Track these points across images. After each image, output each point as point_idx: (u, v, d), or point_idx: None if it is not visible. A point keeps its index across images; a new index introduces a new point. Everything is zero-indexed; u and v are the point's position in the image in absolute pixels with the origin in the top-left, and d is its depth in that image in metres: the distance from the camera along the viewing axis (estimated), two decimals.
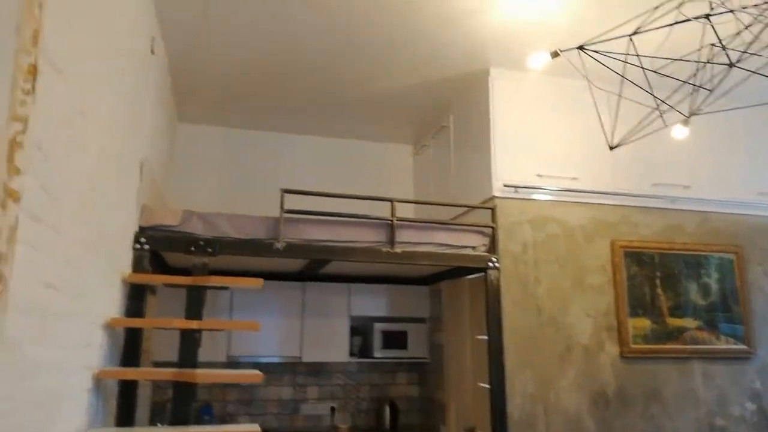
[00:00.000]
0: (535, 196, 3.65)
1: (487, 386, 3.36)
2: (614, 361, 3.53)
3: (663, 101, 2.76)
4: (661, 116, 2.69)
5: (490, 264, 3.48)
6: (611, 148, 2.63)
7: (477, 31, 3.33)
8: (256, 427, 2.21)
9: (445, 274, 4.18)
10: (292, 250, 3.19)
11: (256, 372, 2.39)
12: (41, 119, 1.43)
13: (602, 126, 3.36)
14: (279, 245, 3.15)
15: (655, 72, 2.64)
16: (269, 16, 3.19)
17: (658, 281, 3.70)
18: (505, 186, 3.60)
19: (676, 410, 3.53)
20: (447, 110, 4.39)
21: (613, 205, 3.78)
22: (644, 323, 3.62)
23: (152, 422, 3.81)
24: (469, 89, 4.02)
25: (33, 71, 1.14)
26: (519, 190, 3.62)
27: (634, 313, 3.61)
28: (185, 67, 3.78)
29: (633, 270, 3.69)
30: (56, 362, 1.80)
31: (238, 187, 4.72)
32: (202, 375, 2.27)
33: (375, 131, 4.92)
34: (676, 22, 2.41)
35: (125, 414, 2.58)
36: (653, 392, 3.53)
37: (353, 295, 4.43)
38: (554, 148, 3.73)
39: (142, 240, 2.93)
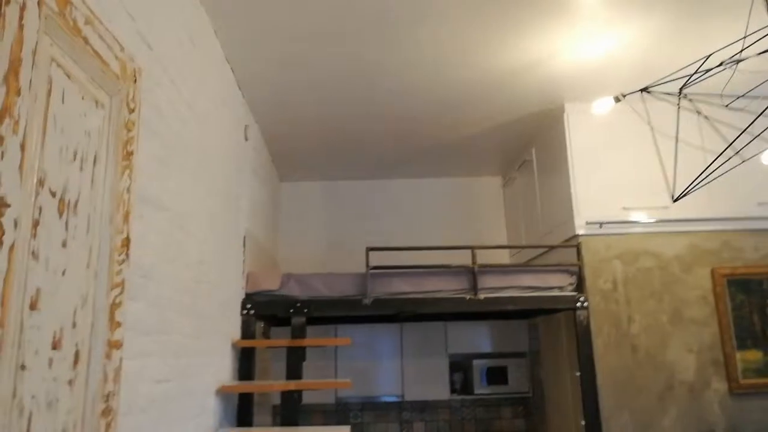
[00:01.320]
0: (622, 230, 3.58)
1: (587, 424, 3.34)
2: (722, 398, 3.34)
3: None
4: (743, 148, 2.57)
5: (578, 305, 3.47)
6: (674, 200, 2.57)
7: (552, 71, 3.33)
8: (347, 429, 2.46)
9: (539, 310, 4.19)
10: (379, 304, 3.43)
11: (347, 380, 2.65)
12: (143, 253, 1.80)
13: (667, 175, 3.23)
14: (367, 301, 3.41)
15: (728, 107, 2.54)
16: (356, 85, 3.41)
17: None
18: (588, 223, 3.57)
19: None
20: (530, 144, 4.42)
21: (712, 230, 3.58)
22: (756, 356, 3.39)
23: None
24: (548, 124, 4.03)
25: (126, 243, 1.48)
26: (604, 225, 3.58)
27: (742, 346, 3.40)
28: (279, 138, 4.21)
29: (739, 299, 3.47)
30: None
31: (339, 233, 5.08)
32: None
33: (465, 167, 5.05)
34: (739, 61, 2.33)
35: None
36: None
37: (450, 332, 4.58)
38: (640, 177, 3.63)
39: (248, 306, 3.34)
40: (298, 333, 3.28)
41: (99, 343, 1.33)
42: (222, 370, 2.90)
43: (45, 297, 1.12)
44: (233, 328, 3.17)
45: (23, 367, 1.04)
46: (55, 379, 1.16)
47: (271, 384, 2.88)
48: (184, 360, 2.27)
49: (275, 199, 4.87)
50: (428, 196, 5.22)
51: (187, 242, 2.31)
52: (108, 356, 1.36)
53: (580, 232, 3.58)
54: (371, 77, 3.33)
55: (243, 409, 3.07)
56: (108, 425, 1.35)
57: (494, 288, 3.53)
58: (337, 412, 4.64)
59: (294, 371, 3.09)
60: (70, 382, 1.21)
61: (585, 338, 3.43)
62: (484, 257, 3.76)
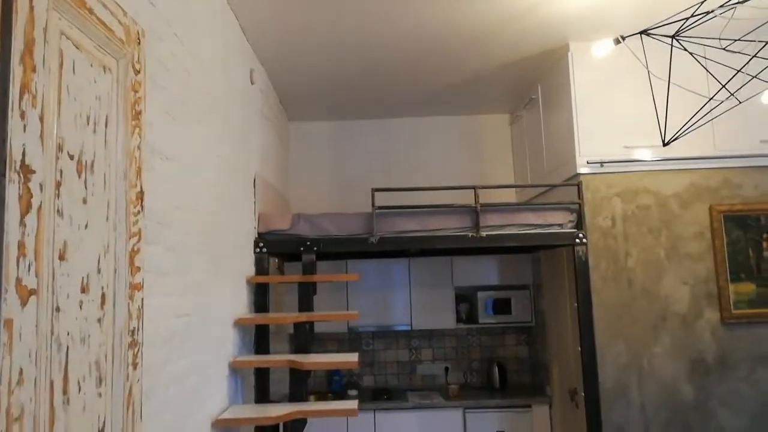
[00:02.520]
0: (623, 169, 3.64)
1: (582, 351, 3.55)
2: (714, 327, 3.51)
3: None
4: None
5: (577, 240, 3.60)
6: (664, 143, 2.62)
7: (557, 10, 3.29)
8: (354, 404, 2.71)
9: (541, 245, 4.34)
10: (385, 242, 3.60)
11: (354, 357, 2.87)
12: (157, 202, 1.96)
13: (660, 119, 3.24)
14: (373, 239, 3.58)
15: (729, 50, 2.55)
16: (362, 25, 3.41)
17: (765, 244, 3.55)
18: (589, 162, 3.64)
19: None
20: (536, 82, 4.41)
21: (712, 168, 3.64)
22: (748, 288, 3.52)
23: None
24: (553, 63, 4.02)
25: (140, 195, 1.62)
26: (605, 164, 3.64)
27: (736, 279, 3.53)
28: (286, 80, 4.25)
29: (735, 234, 3.57)
30: (200, 365, 2.42)
31: (347, 172, 5.20)
32: (309, 363, 2.81)
33: (473, 105, 5.06)
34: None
35: (260, 392, 3.23)
36: (759, 356, 3.48)
37: (456, 266, 4.77)
38: (641, 118, 3.64)
39: (261, 245, 3.53)
40: (309, 269, 3.47)
41: (122, 286, 1.50)
42: (238, 304, 3.12)
43: (71, 248, 1.27)
44: (247, 266, 3.38)
45: (58, 309, 1.22)
46: (86, 319, 1.34)
47: (284, 316, 3.10)
48: (202, 296, 2.48)
49: (284, 139, 4.97)
50: (437, 133, 5.27)
51: (198, 188, 2.46)
52: (131, 297, 1.54)
53: (581, 170, 3.65)
54: (377, 17, 3.33)
55: (260, 338, 3.32)
56: (135, 356, 1.55)
57: (496, 226, 3.66)
58: (350, 340, 4.94)
59: (305, 304, 3.31)
60: (99, 321, 1.39)
61: (583, 272, 3.59)
62: (490, 197, 3.87)
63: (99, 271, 1.40)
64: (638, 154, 3.63)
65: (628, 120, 3.66)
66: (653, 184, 3.64)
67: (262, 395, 3.16)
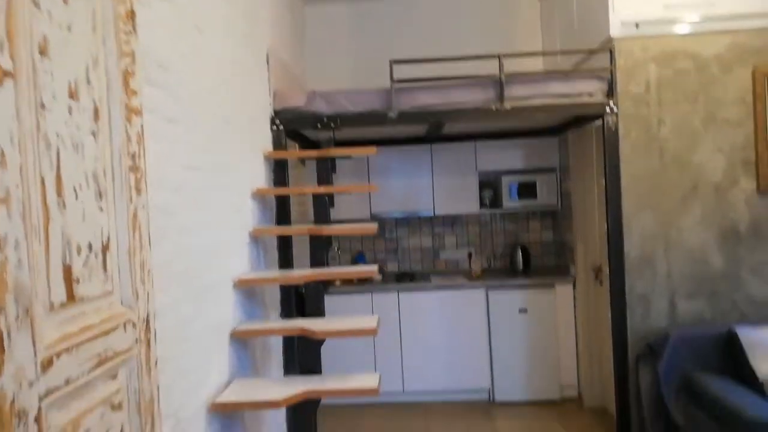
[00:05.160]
0: (660, 30, 3.37)
1: (609, 228, 3.47)
2: (749, 196, 3.35)
3: None
4: None
5: (608, 110, 3.41)
6: None
7: None
8: (375, 267, 2.70)
9: (570, 124, 4.16)
10: (405, 117, 3.47)
11: (373, 226, 2.84)
12: (154, 40, 1.86)
13: None
14: (392, 114, 3.45)
15: None
16: None
17: None
18: (624, 23, 3.37)
19: None
20: None
21: (759, 27, 3.34)
22: None
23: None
24: None
25: (131, 15, 1.52)
26: (641, 25, 3.37)
27: None
28: None
29: None
30: (215, 223, 2.41)
31: (365, 56, 4.97)
32: (329, 230, 2.79)
33: None
34: None
35: (284, 262, 3.26)
36: None
37: (479, 151, 4.64)
38: None
39: (277, 122, 3.44)
40: (326, 145, 3.40)
41: (117, 104, 1.44)
42: (257, 178, 3.08)
43: (53, 46, 1.20)
44: (265, 143, 3.31)
45: (43, 106, 1.16)
46: (78, 127, 1.28)
47: (302, 188, 3.06)
48: (215, 155, 2.43)
49: (299, 24, 4.75)
50: (460, 7, 4.94)
51: (203, 42, 2.35)
52: (128, 120, 1.48)
53: (614, 33, 3.39)
54: None
55: (280, 210, 3.32)
56: (137, 181, 1.51)
57: (522, 97, 3.48)
58: None
59: (324, 179, 3.25)
60: (94, 134, 1.34)
61: (612, 144, 3.42)
62: (516, 68, 3.65)
63: (89, 81, 1.33)
64: (678, 14, 3.34)
65: None
66: (693, 46, 3.37)
67: (286, 264, 3.20)
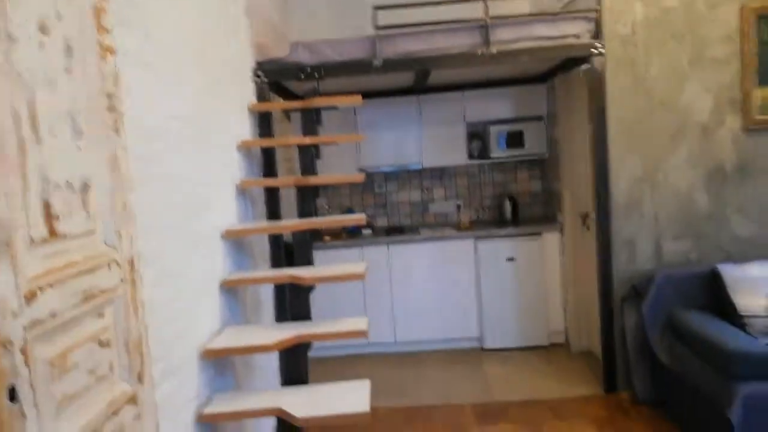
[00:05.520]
0: None
1: (597, 173, 3.48)
2: (735, 135, 3.36)
3: None
4: None
5: (594, 51, 3.37)
6: None
7: None
8: (362, 216, 2.70)
9: (557, 69, 4.11)
10: (390, 65, 3.41)
11: (360, 174, 2.83)
12: None
13: None
14: (377, 62, 3.39)
15: None
16: None
17: None
18: None
19: None
20: None
21: None
22: None
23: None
24: None
25: None
26: None
27: (764, 82, 3.31)
28: None
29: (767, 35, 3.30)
30: (202, 173, 2.39)
31: (349, 3, 4.82)
32: (315, 179, 2.78)
33: None
34: None
35: (272, 215, 3.25)
36: None
37: (467, 101, 4.59)
38: None
39: (259, 73, 3.37)
40: (311, 96, 3.34)
41: (89, 43, 1.40)
42: (242, 131, 3.04)
43: None
44: (249, 96, 3.25)
45: (10, 38, 1.12)
46: (51, 63, 1.25)
47: (288, 139, 3.03)
48: (196, 106, 2.38)
49: None
50: None
51: None
52: (103, 57, 1.44)
53: None
54: None
55: (267, 164, 3.29)
56: (116, 121, 1.48)
57: (508, 41, 3.43)
58: (362, 183, 4.91)
59: (309, 130, 3.21)
60: (67, 71, 1.31)
61: (599, 86, 3.40)
62: (502, 11, 3.58)
63: (59, 16, 1.29)
64: None
65: None
66: None
67: (273, 217, 3.19)
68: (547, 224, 4.46)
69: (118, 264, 1.42)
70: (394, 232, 4.63)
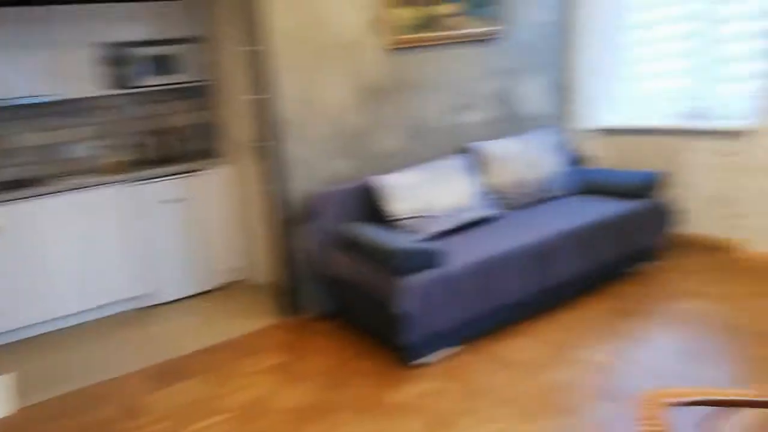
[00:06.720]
0: None
1: (259, 97, 3.27)
2: (379, 54, 3.57)
3: None
4: None
5: None
6: None
7: None
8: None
9: None
10: None
11: None
12: None
13: None
14: None
15: None
16: None
17: None
18: None
19: (434, 93, 3.82)
20: None
21: None
22: (410, 13, 3.60)
23: None
24: None
25: None
26: None
27: (407, 2, 3.55)
28: None
29: None
30: None
31: None
32: None
33: None
34: None
35: None
36: (418, 81, 3.75)
37: (96, 17, 3.81)
38: None
39: None
40: None
41: None
42: None
43: None
44: None
45: None
46: None
47: None
48: None
49: None
50: None
51: None
52: None
53: None
54: None
55: None
56: None
57: None
58: None
59: None
60: None
61: (254, 2, 3.15)
62: None
63: None
64: None
65: None
66: None
67: None
68: (211, 158, 4.12)
69: None
70: (15, 187, 3.62)
